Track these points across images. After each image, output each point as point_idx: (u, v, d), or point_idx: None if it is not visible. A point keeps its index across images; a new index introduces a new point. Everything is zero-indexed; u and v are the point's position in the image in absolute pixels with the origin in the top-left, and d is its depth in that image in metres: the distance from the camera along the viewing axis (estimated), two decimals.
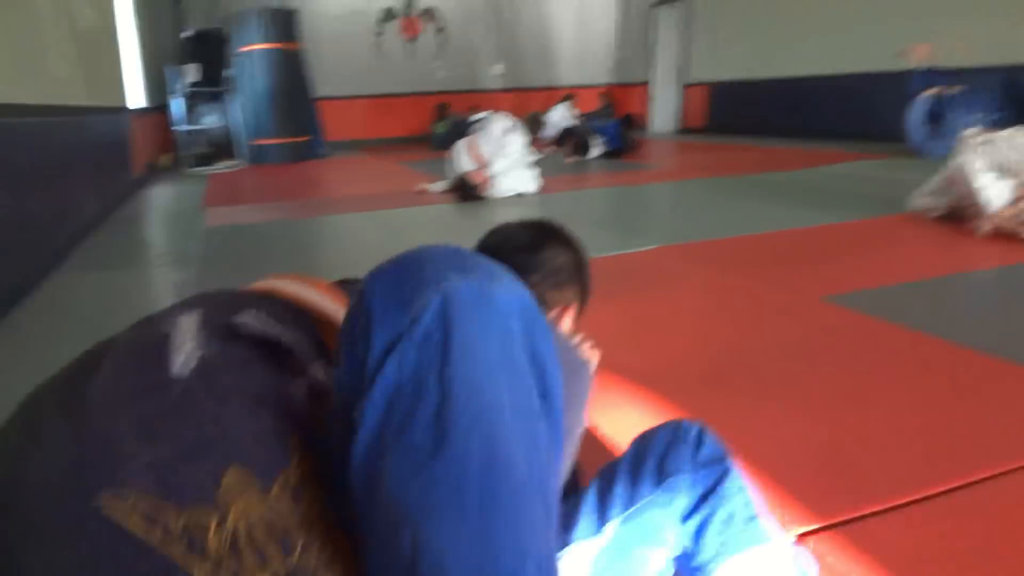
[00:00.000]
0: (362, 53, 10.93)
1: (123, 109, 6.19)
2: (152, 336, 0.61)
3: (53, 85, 3.93)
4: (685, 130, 11.18)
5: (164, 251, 3.88)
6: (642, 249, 3.12)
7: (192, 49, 8.27)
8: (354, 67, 10.89)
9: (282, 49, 8.50)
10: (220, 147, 8.74)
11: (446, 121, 10.32)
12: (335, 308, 0.71)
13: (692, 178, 5.68)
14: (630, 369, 1.76)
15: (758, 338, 1.97)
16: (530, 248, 1.09)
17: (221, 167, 8.29)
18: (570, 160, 7.44)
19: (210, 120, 8.79)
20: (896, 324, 1.99)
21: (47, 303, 2.70)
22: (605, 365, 1.77)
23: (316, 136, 9.53)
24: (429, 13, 11.16)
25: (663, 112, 11.76)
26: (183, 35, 8.59)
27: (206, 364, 0.57)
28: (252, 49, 8.37)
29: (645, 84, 12.00)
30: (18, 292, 2.71)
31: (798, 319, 2.11)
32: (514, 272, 0.61)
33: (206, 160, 8.45)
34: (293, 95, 8.71)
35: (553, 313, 1.09)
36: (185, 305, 0.66)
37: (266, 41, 8.33)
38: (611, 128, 7.74)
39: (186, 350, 0.58)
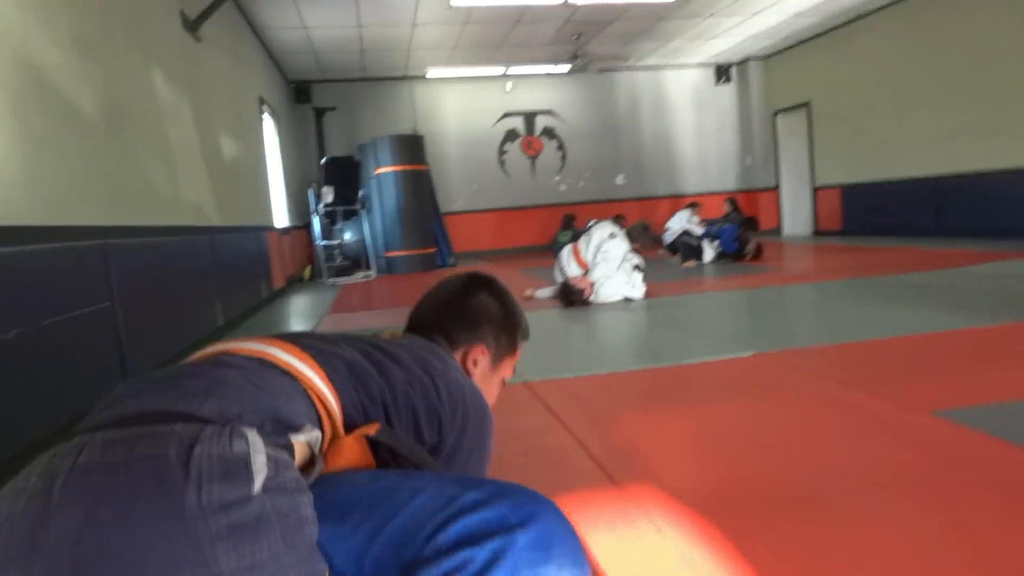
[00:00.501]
0: (488, 171, 11.52)
1: (265, 228, 6.83)
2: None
3: (200, 211, 4.42)
4: (820, 233, 10.69)
5: None
6: (740, 355, 2.92)
7: (330, 173, 9.09)
8: (481, 183, 11.48)
9: (410, 170, 9.15)
10: (356, 260, 9.38)
11: (569, 231, 10.55)
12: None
13: (815, 280, 5.34)
14: (700, 486, 1.60)
15: (853, 456, 1.74)
16: (460, 295, 1.28)
17: (356, 278, 8.86)
18: (687, 265, 7.28)
19: (346, 236, 9.50)
20: (1018, 445, 1.69)
21: None
22: (676, 477, 1.63)
23: (444, 247, 10.02)
24: (549, 132, 11.67)
25: (795, 216, 11.34)
26: (323, 161, 9.47)
27: None
28: (383, 171, 9.09)
29: (775, 189, 11.70)
30: None
31: (901, 435, 1.84)
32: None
33: (343, 272, 9.08)
34: (420, 211, 9.28)
35: (474, 353, 1.23)
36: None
37: (395, 164, 9.03)
38: (727, 231, 7.51)
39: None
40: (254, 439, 0.72)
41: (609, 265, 4.80)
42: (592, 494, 1.61)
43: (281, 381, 0.88)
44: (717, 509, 1.47)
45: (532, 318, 4.64)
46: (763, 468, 1.70)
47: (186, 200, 4.24)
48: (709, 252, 7.42)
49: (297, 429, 0.82)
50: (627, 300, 4.83)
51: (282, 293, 7.39)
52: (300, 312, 6.04)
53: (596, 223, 5.21)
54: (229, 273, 4.94)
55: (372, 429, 0.91)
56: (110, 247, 2.78)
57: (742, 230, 7.65)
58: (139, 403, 0.77)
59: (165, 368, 0.91)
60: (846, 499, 1.49)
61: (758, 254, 7.44)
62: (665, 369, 2.81)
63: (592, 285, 4.83)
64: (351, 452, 0.89)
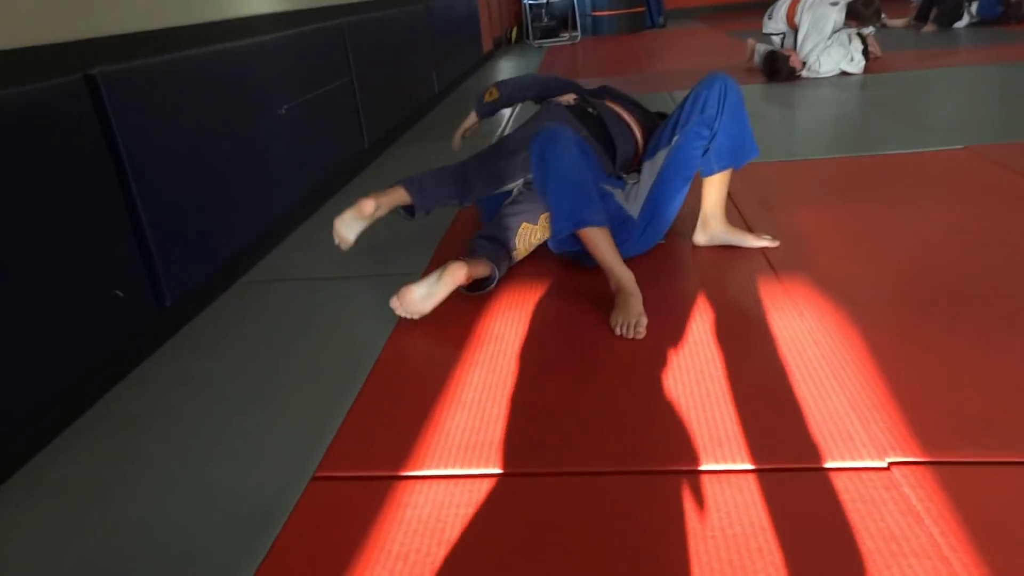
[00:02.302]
0: None
1: None
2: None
3: None
4: None
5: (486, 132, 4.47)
6: (949, 148, 2.78)
7: None
8: None
9: None
10: (563, 19, 9.21)
11: None
12: None
13: None
14: (854, 280, 1.77)
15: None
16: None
17: (562, 40, 8.79)
18: (927, 30, 6.35)
19: None
20: None
21: (379, 171, 3.44)
22: (833, 270, 1.80)
23: (654, 4, 9.45)
24: None
25: None
26: None
27: None
28: None
29: None
30: (368, 157, 3.50)
31: None
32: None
33: (549, 33, 9.01)
34: None
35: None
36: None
37: None
38: None
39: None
40: None
41: (819, 36, 4.41)
42: (751, 276, 1.85)
43: None
44: (865, 304, 1.65)
45: None
46: (925, 269, 1.81)
47: None
48: (967, 18, 6.35)
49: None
50: (844, 74, 4.50)
51: (490, 57, 7.62)
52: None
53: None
54: (443, 40, 5.23)
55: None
56: (346, 26, 3.16)
57: None
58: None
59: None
60: (1007, 314, 1.59)
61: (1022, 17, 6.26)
62: (859, 159, 2.78)
63: (799, 60, 4.52)
64: None
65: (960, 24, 6.36)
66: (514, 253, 1.96)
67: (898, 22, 6.94)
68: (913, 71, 4.47)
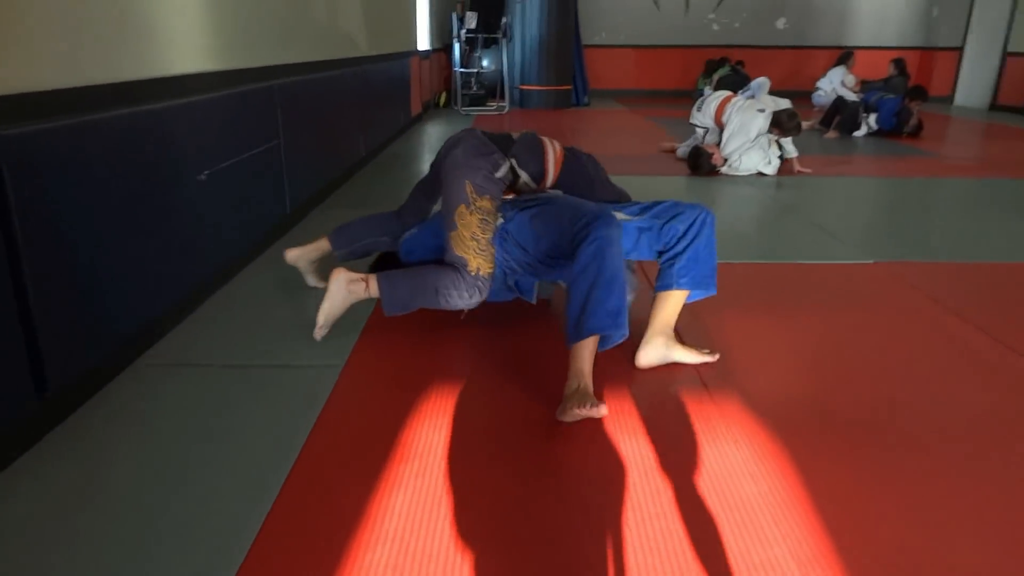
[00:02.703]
0: (639, 1, 10.82)
1: (408, 54, 6.93)
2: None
3: (353, 42, 4.60)
4: (999, 107, 9.56)
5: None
6: (860, 262, 2.92)
7: None
8: (629, 15, 10.85)
9: None
10: (492, 88, 9.38)
11: (709, 79, 9.97)
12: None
13: (978, 175, 4.94)
14: (787, 402, 1.77)
15: (943, 390, 1.84)
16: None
17: (489, 109, 8.93)
18: (829, 136, 6.84)
19: (485, 64, 9.44)
20: None
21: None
22: (766, 391, 1.79)
23: (580, 84, 9.79)
24: None
25: (974, 83, 10.14)
26: None
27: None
28: None
29: (957, 50, 10.38)
30: (288, 223, 3.35)
31: (997, 379, 1.91)
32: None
33: (477, 101, 9.15)
34: (561, 44, 9.00)
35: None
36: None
37: None
38: (888, 104, 6.86)
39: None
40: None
41: (744, 139, 4.66)
42: (686, 398, 1.82)
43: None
44: (796, 427, 1.65)
45: (654, 184, 4.64)
46: (848, 389, 1.84)
47: (342, 32, 4.41)
48: (864, 128, 6.88)
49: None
50: (760, 174, 4.73)
51: (418, 120, 7.63)
52: (433, 146, 6.28)
53: (759, 85, 4.96)
54: (373, 103, 5.18)
55: None
56: (276, 88, 3.05)
57: (905, 101, 6.92)
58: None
59: None
60: (923, 433, 1.62)
61: (917, 132, 6.86)
62: (779, 266, 2.88)
63: (721, 157, 4.75)
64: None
65: (859, 133, 6.88)
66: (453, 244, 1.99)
67: (804, 123, 7.45)
68: (821, 177, 4.76)
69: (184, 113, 2.20)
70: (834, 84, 8.79)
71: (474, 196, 1.95)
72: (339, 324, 2.12)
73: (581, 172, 2.21)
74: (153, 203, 2.02)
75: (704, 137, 5.21)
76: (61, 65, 1.70)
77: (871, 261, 2.93)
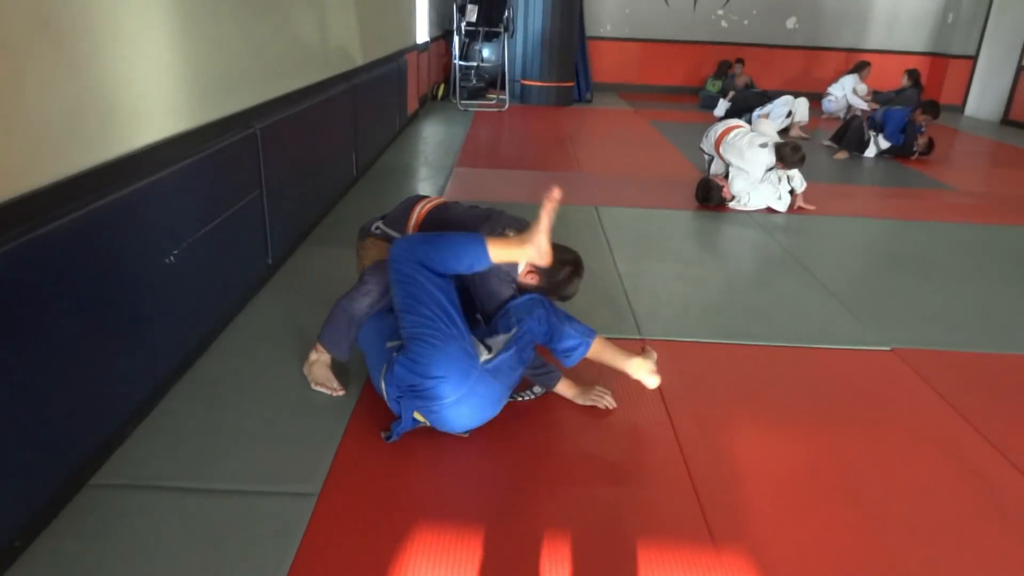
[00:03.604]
0: None
1: (406, 51, 6.63)
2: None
3: (346, 55, 4.33)
4: (1010, 122, 9.34)
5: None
6: (876, 348, 2.75)
7: None
8: (635, 7, 10.50)
9: None
10: (491, 80, 9.08)
11: (720, 81, 9.69)
12: None
13: (1007, 223, 4.69)
14: (799, 561, 1.61)
15: (967, 549, 1.68)
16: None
17: (488, 101, 8.64)
18: (839, 157, 6.62)
19: (485, 53, 9.13)
20: None
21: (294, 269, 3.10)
22: (776, 544, 1.62)
23: (583, 80, 9.50)
24: None
25: (985, 95, 9.89)
26: None
27: None
28: None
29: (971, 58, 10.12)
30: (269, 273, 3.14)
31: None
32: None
33: (476, 94, 8.85)
34: (565, 39, 8.69)
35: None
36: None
37: None
38: (895, 117, 6.55)
39: None
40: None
41: (750, 178, 4.46)
42: (688, 546, 1.65)
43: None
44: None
45: (658, 219, 4.41)
46: (873, 552, 1.67)
47: (333, 48, 4.14)
48: (873, 148, 6.66)
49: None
50: (770, 210, 4.54)
51: (413, 119, 7.35)
52: (428, 154, 6.03)
53: (757, 124, 4.76)
54: (366, 116, 4.93)
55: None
56: (262, 132, 2.82)
57: (915, 113, 6.64)
58: None
59: None
60: None
61: (928, 151, 6.65)
62: (785, 351, 2.69)
63: (730, 192, 4.55)
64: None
65: (870, 153, 6.65)
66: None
67: (804, 136, 7.29)
68: (829, 218, 4.55)
69: (149, 193, 1.98)
70: (846, 91, 8.53)
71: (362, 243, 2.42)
72: (312, 436, 1.94)
73: (445, 218, 2.30)
74: (109, 306, 1.81)
75: (709, 166, 5.00)
76: (16, 170, 1.49)
77: (887, 348, 2.75)
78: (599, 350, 2.13)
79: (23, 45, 1.53)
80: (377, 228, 2.36)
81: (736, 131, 4.66)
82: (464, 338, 1.90)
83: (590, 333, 2.12)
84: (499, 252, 1.95)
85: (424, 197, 2.41)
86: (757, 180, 4.44)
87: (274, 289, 2.99)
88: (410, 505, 1.77)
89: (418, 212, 2.32)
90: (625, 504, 1.81)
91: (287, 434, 2.01)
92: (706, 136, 4.98)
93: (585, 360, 2.13)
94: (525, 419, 2.15)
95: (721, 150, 4.66)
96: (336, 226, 3.88)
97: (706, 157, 5.06)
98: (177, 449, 1.93)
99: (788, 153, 4.37)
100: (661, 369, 2.20)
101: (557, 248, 2.05)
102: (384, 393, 2.00)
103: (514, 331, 1.99)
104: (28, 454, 1.54)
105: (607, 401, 2.23)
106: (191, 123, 2.34)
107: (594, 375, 2.31)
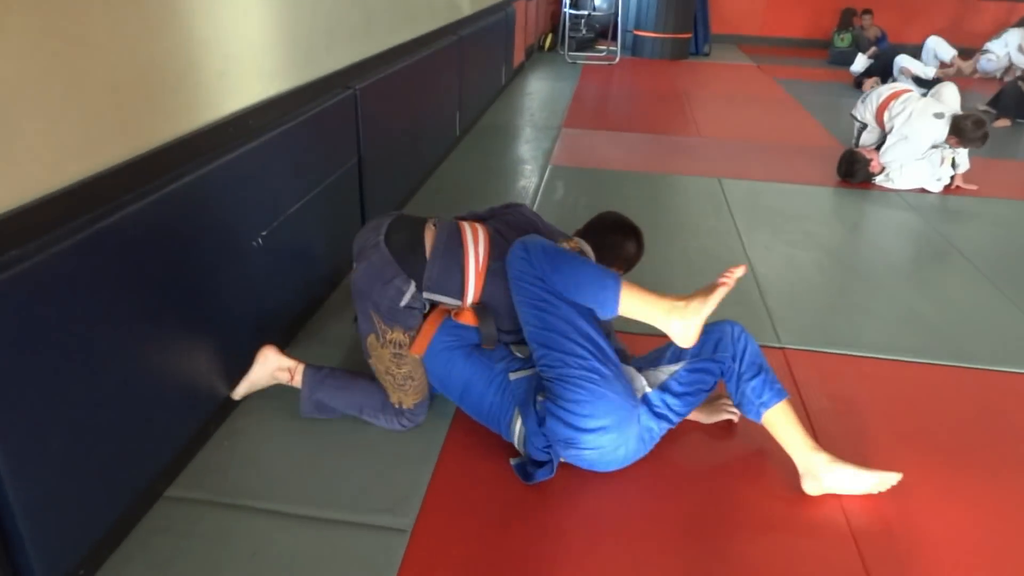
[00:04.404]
0: None
1: (511, 0, 6.22)
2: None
3: (452, 4, 4.00)
4: None
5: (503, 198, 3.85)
6: None
7: None
8: None
9: None
10: (601, 32, 8.54)
11: (849, 33, 8.72)
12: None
13: None
14: None
15: None
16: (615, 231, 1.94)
17: (598, 53, 8.13)
18: (999, 125, 5.77)
19: (597, 5, 8.58)
20: None
21: None
22: None
23: (701, 31, 8.79)
24: None
25: None
26: None
27: None
28: None
29: None
30: None
31: None
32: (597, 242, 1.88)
33: (584, 45, 8.34)
34: None
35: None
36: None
37: None
38: None
39: None
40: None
41: (910, 148, 3.85)
42: None
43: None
44: None
45: (792, 195, 3.91)
46: None
47: None
48: None
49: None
50: (922, 190, 3.94)
51: (519, 73, 6.96)
52: (534, 111, 5.65)
53: (943, 86, 4.12)
54: (472, 71, 4.61)
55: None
56: (361, 93, 2.55)
57: None
58: None
59: None
60: None
61: None
62: (959, 372, 2.24)
63: (880, 164, 3.97)
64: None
65: None
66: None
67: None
68: (994, 201, 3.90)
69: (234, 168, 1.75)
70: (1009, 49, 7.46)
71: (383, 327, 1.71)
72: (406, 456, 1.70)
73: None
74: (186, 295, 1.61)
75: (859, 135, 4.40)
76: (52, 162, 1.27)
77: None
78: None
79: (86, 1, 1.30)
80: (408, 293, 1.67)
81: (906, 95, 4.04)
82: (621, 375, 1.59)
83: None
84: (634, 305, 1.55)
85: (453, 224, 1.80)
86: (918, 154, 3.84)
87: None
88: (515, 547, 1.51)
89: (476, 265, 1.72)
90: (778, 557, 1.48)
91: (375, 450, 1.78)
92: (863, 100, 4.37)
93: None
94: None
95: (885, 117, 4.05)
96: (438, 192, 3.62)
97: (857, 125, 4.46)
98: (258, 461, 1.74)
99: (968, 127, 3.72)
100: (806, 385, 1.84)
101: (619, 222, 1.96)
102: (520, 442, 1.69)
103: (686, 363, 1.68)
104: (103, 464, 1.36)
105: (732, 411, 1.89)
106: (283, 86, 2.10)
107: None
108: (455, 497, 1.64)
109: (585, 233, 1.94)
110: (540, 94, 6.26)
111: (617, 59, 7.98)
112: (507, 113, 5.47)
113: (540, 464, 1.65)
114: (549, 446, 1.62)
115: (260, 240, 1.90)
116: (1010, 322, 2.59)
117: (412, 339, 1.74)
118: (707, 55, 8.81)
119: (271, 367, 1.85)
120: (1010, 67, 7.49)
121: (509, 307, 1.69)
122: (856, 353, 2.33)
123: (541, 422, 1.60)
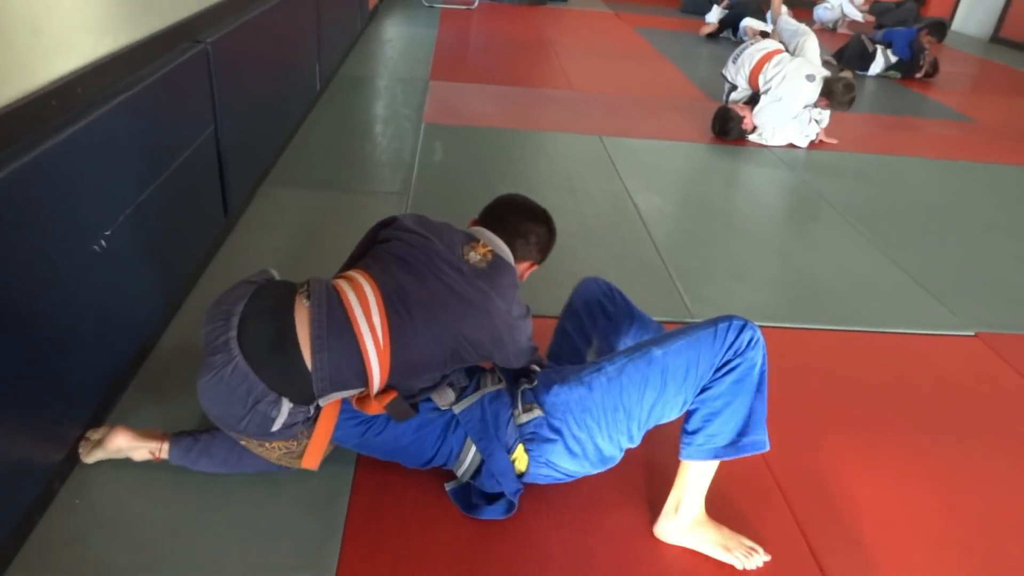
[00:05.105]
0: None
1: None
2: None
3: None
4: (999, 40, 8.93)
5: (382, 177, 3.50)
6: (958, 334, 2.36)
7: None
8: None
9: None
10: None
11: None
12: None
13: None
14: None
15: None
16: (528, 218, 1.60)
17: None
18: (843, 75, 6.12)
19: None
20: None
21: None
22: None
23: None
24: None
25: (975, 10, 9.42)
26: None
27: None
28: None
29: None
30: (225, 231, 2.52)
31: None
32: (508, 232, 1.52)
33: None
34: None
35: (522, 266, 1.57)
36: None
37: None
38: (901, 35, 6.22)
39: None
40: None
41: (783, 110, 3.92)
42: None
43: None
44: None
45: (664, 151, 3.88)
46: None
47: None
48: (878, 64, 6.19)
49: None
50: (791, 146, 4.05)
51: (374, 16, 6.45)
52: (395, 62, 5.25)
53: (806, 40, 4.19)
54: (330, 16, 4.14)
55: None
56: (213, 47, 2.13)
57: (920, 34, 6.27)
58: None
59: None
60: None
61: (933, 73, 6.26)
62: (858, 337, 2.28)
63: (752, 122, 4.02)
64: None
65: (875, 70, 6.21)
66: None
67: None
68: (854, 155, 4.08)
69: (62, 153, 1.35)
70: (842, 0, 7.94)
71: (256, 444, 1.38)
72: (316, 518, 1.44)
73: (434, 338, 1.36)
74: (9, 325, 1.23)
75: (729, 93, 4.44)
76: None
77: (971, 333, 2.37)
78: None
79: None
80: (280, 415, 1.28)
81: (779, 56, 4.09)
82: None
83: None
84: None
85: (330, 290, 1.34)
86: (791, 115, 3.92)
87: (231, 250, 2.39)
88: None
89: (375, 346, 1.30)
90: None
91: (271, 496, 1.49)
92: (733, 60, 4.37)
93: None
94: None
95: (760, 80, 4.09)
96: (301, 159, 3.22)
97: (727, 84, 4.48)
98: (121, 522, 1.40)
99: (839, 91, 3.83)
100: None
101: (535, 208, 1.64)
102: (468, 471, 1.46)
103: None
104: None
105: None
106: (118, 42, 1.67)
107: None
108: (379, 540, 1.41)
109: (488, 221, 1.58)
110: (399, 41, 5.84)
111: (476, 3, 7.63)
112: (368, 63, 5.03)
113: (489, 498, 1.44)
114: (517, 477, 1.43)
115: (103, 243, 1.51)
116: (875, 266, 2.69)
117: (302, 446, 1.39)
118: (565, 1, 8.66)
119: (125, 453, 1.47)
120: (843, 17, 7.97)
121: (428, 360, 1.36)
122: (767, 324, 2.30)
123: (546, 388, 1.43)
